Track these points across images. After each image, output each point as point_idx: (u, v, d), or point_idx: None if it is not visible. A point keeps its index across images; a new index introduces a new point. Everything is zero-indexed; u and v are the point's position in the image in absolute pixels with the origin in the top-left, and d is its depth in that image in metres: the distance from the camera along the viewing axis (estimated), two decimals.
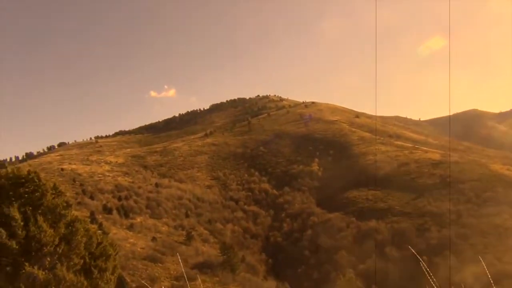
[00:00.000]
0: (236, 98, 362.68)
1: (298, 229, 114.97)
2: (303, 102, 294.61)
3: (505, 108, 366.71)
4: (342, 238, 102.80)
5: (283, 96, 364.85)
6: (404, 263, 78.63)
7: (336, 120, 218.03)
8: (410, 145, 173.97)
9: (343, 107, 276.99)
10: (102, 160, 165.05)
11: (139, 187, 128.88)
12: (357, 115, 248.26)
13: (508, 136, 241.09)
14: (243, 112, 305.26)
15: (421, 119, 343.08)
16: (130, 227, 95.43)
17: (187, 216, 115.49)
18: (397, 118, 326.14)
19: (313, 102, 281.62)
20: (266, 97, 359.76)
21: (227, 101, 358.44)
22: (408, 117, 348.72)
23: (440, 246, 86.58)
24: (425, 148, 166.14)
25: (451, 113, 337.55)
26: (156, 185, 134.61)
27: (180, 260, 78.62)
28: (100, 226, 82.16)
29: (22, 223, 12.20)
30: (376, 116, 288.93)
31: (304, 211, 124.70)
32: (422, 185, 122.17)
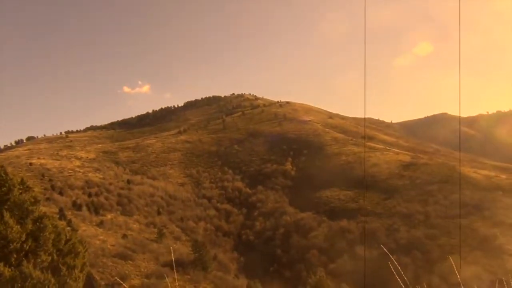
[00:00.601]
0: (211, 96, 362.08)
1: (271, 228, 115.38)
2: (278, 102, 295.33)
3: (473, 113, 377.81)
4: (314, 237, 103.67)
5: (258, 95, 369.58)
6: (374, 262, 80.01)
7: (310, 121, 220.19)
8: (382, 146, 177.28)
9: (318, 108, 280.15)
10: (73, 155, 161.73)
11: (110, 184, 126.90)
12: (331, 116, 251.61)
13: (475, 140, 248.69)
14: (217, 110, 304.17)
15: (393, 121, 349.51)
16: (100, 224, 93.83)
17: (159, 213, 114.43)
18: (370, 120, 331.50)
19: (287, 102, 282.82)
20: (241, 95, 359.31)
21: (202, 98, 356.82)
22: (381, 119, 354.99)
23: (409, 246, 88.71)
24: (396, 150, 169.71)
25: (421, 116, 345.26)
26: (128, 181, 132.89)
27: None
28: (69, 222, 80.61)
29: None
30: (350, 117, 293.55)
31: (277, 210, 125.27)
32: (393, 186, 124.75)
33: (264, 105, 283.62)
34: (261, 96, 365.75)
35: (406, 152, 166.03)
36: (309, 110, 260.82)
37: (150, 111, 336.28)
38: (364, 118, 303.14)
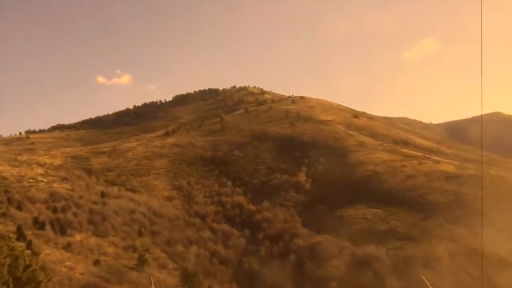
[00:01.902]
0: (206, 88, 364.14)
1: (279, 254, 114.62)
2: (290, 97, 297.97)
3: None
4: (334, 266, 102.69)
5: (265, 89, 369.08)
6: None
7: (330, 121, 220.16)
8: (419, 153, 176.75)
9: (339, 105, 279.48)
10: (34, 161, 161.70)
11: (81, 197, 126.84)
12: (356, 114, 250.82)
13: None
14: (214, 106, 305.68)
15: (433, 122, 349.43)
16: (68, 247, 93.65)
17: (140, 234, 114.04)
18: (404, 120, 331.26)
19: (301, 97, 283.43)
20: (244, 88, 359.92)
21: (195, 92, 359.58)
22: (418, 119, 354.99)
23: (454, 279, 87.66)
24: (436, 158, 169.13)
25: (469, 116, 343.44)
26: (102, 194, 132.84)
27: None
28: (29, 244, 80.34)
29: None
30: (379, 117, 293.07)
31: (287, 231, 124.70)
32: (432, 203, 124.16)
33: (273, 101, 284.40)
34: (268, 90, 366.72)
35: (450, 161, 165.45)
36: (328, 107, 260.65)
37: (131, 107, 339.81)
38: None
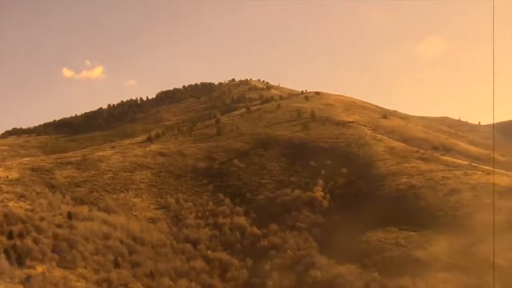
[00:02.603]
0: (198, 83, 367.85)
1: None
2: (303, 92, 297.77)
3: None
4: None
5: (272, 83, 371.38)
6: None
7: (353, 122, 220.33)
8: (465, 162, 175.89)
9: (365, 102, 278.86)
10: None
11: (42, 219, 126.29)
12: (385, 114, 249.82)
13: None
14: (209, 105, 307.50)
15: (481, 123, 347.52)
16: (26, 281, 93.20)
17: (116, 265, 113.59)
18: (445, 121, 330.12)
19: (317, 93, 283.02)
20: (246, 82, 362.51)
21: (184, 87, 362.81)
22: (462, 119, 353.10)
23: None
24: (487, 168, 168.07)
25: None
26: (69, 216, 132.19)
27: None
28: None
29: None
30: (415, 117, 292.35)
31: (301, 261, 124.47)
32: (483, 224, 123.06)
33: (281, 98, 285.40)
34: (275, 84, 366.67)
35: (504, 171, 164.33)
36: (350, 105, 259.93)
37: (104, 106, 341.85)
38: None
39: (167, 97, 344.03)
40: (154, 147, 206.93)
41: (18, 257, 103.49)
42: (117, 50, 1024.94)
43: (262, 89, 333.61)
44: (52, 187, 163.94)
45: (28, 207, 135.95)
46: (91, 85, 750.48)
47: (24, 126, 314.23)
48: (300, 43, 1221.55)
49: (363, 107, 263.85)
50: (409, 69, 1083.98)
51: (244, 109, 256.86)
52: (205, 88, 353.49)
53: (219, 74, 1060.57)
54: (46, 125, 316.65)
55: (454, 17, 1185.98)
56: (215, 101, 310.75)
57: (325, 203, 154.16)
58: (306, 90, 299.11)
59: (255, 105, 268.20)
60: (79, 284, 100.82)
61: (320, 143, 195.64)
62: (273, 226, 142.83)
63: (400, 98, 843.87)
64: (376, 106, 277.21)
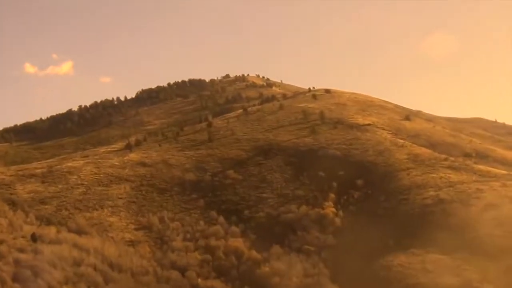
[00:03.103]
0: (186, 79, 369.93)
1: None
2: (310, 90, 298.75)
3: None
4: None
5: (273, 79, 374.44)
6: None
7: (370, 124, 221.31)
8: (503, 171, 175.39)
9: (385, 102, 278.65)
10: None
11: (1, 242, 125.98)
12: (408, 115, 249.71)
13: None
14: (199, 106, 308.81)
15: None
16: None
17: None
18: (479, 123, 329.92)
19: (327, 91, 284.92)
20: (242, 78, 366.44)
21: (169, 85, 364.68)
22: (499, 120, 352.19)
23: None
24: None
25: None
26: (34, 238, 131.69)
27: None
28: None
29: None
30: (443, 119, 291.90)
31: None
32: None
33: (285, 97, 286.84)
34: (278, 80, 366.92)
35: None
36: (367, 104, 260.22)
37: (74, 108, 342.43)
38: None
39: (149, 97, 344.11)
40: (134, 156, 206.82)
41: None
42: (90, 41, 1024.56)
43: (262, 86, 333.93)
44: (13, 204, 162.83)
45: None
46: (58, 82, 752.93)
47: None
48: (305, 36, 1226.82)
49: (382, 107, 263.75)
50: (429, 66, 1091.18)
51: (240, 110, 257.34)
52: (194, 86, 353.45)
53: (211, 70, 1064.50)
54: (6, 131, 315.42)
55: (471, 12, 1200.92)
56: (206, 101, 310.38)
57: (338, 221, 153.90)
58: (313, 88, 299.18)
59: (254, 105, 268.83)
60: None
61: (331, 150, 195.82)
62: (276, 249, 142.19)
63: (422, 97, 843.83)
64: (396, 105, 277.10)
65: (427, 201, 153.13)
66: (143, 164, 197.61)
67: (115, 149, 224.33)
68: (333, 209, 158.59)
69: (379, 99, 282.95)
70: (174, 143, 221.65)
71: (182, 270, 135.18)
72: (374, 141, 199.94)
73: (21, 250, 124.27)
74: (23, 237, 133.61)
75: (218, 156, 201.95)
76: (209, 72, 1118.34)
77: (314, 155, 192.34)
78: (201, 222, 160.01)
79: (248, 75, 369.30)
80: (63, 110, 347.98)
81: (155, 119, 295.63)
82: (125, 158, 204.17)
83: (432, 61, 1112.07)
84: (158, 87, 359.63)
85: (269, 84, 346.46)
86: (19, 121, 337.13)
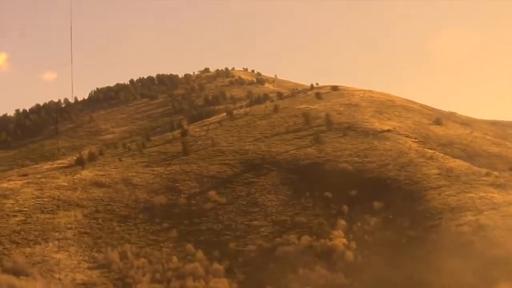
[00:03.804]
0: (153, 76, 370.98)
1: None
2: (313, 87, 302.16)
3: None
4: None
5: (265, 74, 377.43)
6: None
7: (390, 130, 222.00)
8: None
9: (406, 100, 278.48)
10: None
11: None
12: (439, 118, 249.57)
13: None
14: (170, 108, 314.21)
15: None
16: None
17: None
18: None
19: (335, 88, 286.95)
20: (226, 73, 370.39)
21: (132, 82, 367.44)
22: None
23: None
24: None
25: None
26: None
27: None
28: None
29: None
30: (483, 122, 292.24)
31: None
32: None
33: (281, 96, 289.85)
34: (271, 75, 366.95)
35: None
36: (386, 105, 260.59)
37: (10, 112, 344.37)
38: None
39: (106, 98, 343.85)
40: (87, 174, 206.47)
41: None
42: (29, 29, 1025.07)
43: (251, 83, 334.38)
44: None
45: None
46: None
47: None
48: (304, 24, 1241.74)
49: (405, 108, 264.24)
50: (463, 60, 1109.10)
51: (224, 114, 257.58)
52: (164, 84, 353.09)
53: (186, 63, 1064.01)
54: None
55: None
56: (180, 102, 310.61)
57: (350, 255, 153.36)
58: (317, 84, 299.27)
59: (241, 107, 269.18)
60: None
61: (340, 163, 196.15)
62: None
63: (456, 96, 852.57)
64: (423, 106, 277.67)
65: (463, 228, 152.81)
66: (99, 185, 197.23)
67: (63, 165, 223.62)
68: (344, 240, 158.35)
69: (401, 98, 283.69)
70: (139, 156, 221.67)
71: None
72: (396, 152, 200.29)
73: None
74: None
75: (196, 173, 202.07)
76: (183, 66, 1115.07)
77: (318, 171, 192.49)
78: (174, 258, 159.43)
79: (233, 68, 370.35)
80: None
81: (114, 126, 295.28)
82: (75, 177, 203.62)
83: (467, 54, 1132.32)
84: (118, 85, 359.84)
85: (260, 80, 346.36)
86: None
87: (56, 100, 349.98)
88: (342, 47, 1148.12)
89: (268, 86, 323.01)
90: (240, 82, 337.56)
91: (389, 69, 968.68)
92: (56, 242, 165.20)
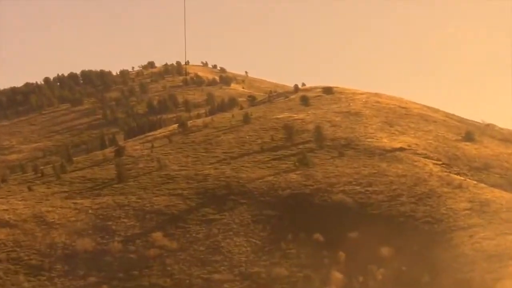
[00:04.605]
0: (77, 72, 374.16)
1: None
2: (298, 89, 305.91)
3: None
4: None
5: (232, 70, 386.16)
6: None
7: (404, 149, 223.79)
8: None
9: (427, 107, 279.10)
10: None
11: None
12: (470, 132, 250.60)
13: None
14: (100, 118, 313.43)
15: None
16: None
17: None
18: None
19: (328, 89, 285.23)
20: (177, 69, 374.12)
21: (48, 81, 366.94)
22: None
23: None
24: None
25: None
26: None
27: None
28: None
29: None
30: None
31: None
32: None
33: (253, 101, 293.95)
34: (240, 73, 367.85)
35: None
36: (398, 114, 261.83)
37: None
38: None
39: (11, 103, 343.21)
40: None
41: None
42: None
43: (213, 83, 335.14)
44: None
45: None
46: None
47: None
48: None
49: (423, 117, 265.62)
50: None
51: (175, 126, 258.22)
52: (93, 84, 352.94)
53: (124, 58, 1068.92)
54: None
55: None
56: (114, 109, 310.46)
57: None
58: (304, 85, 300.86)
59: (199, 116, 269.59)
60: None
61: (335, 194, 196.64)
62: None
63: (490, 103, 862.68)
64: (448, 115, 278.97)
65: (504, 284, 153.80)
66: (1, 224, 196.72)
67: None
68: None
69: (418, 104, 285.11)
70: (57, 184, 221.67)
71: None
72: (411, 179, 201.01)
73: None
74: None
75: (136, 207, 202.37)
76: (119, 59, 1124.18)
77: (305, 204, 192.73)
78: None
79: (188, 63, 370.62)
80: None
81: (23, 141, 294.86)
82: None
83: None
84: (27, 85, 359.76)
85: (225, 78, 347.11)
86: None
87: None
88: (335, 39, 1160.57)
89: (235, 87, 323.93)
90: (198, 81, 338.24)
91: (400, 68, 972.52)
92: None
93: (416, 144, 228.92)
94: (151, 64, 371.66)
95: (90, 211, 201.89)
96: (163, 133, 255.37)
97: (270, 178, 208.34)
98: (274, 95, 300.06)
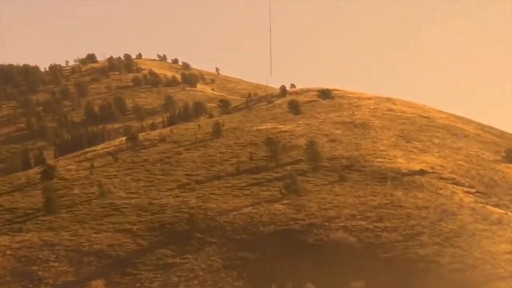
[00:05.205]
0: None
1: None
2: (286, 90, 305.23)
3: None
4: None
5: (197, 67, 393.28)
6: None
7: (425, 172, 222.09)
8: None
9: (456, 117, 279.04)
10: None
11: None
12: (511, 149, 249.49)
13: None
14: (22, 128, 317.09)
15: None
16: None
17: None
18: None
19: (325, 92, 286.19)
20: (126, 64, 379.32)
21: None
22: None
23: None
24: None
25: None
26: None
27: None
28: None
29: None
30: None
31: None
32: None
33: (225, 106, 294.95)
34: (209, 70, 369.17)
35: None
36: (417, 125, 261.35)
37: None
38: None
39: None
40: None
41: None
42: None
43: (174, 82, 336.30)
44: None
45: None
46: None
47: None
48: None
49: (450, 130, 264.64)
50: None
51: (122, 139, 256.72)
52: (13, 82, 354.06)
53: (57, 49, 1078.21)
54: None
55: None
56: (42, 116, 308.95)
57: None
58: (293, 86, 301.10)
59: (154, 126, 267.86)
60: None
61: (334, 231, 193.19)
62: None
63: None
64: (483, 127, 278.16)
65: None
66: None
67: None
68: None
69: (444, 113, 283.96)
70: None
71: None
72: (435, 211, 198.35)
73: None
74: None
75: (69, 246, 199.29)
76: (48, 51, 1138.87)
77: (295, 244, 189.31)
78: None
79: (140, 56, 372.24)
80: None
81: None
82: None
83: None
84: None
85: (189, 77, 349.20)
86: None
87: None
88: (335, 30, 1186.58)
89: (203, 89, 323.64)
90: (153, 80, 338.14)
91: (421, 67, 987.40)
92: None
93: (442, 166, 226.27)
94: (91, 58, 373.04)
95: (8, 251, 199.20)
96: (106, 149, 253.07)
97: (248, 209, 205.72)
98: (254, 100, 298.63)
